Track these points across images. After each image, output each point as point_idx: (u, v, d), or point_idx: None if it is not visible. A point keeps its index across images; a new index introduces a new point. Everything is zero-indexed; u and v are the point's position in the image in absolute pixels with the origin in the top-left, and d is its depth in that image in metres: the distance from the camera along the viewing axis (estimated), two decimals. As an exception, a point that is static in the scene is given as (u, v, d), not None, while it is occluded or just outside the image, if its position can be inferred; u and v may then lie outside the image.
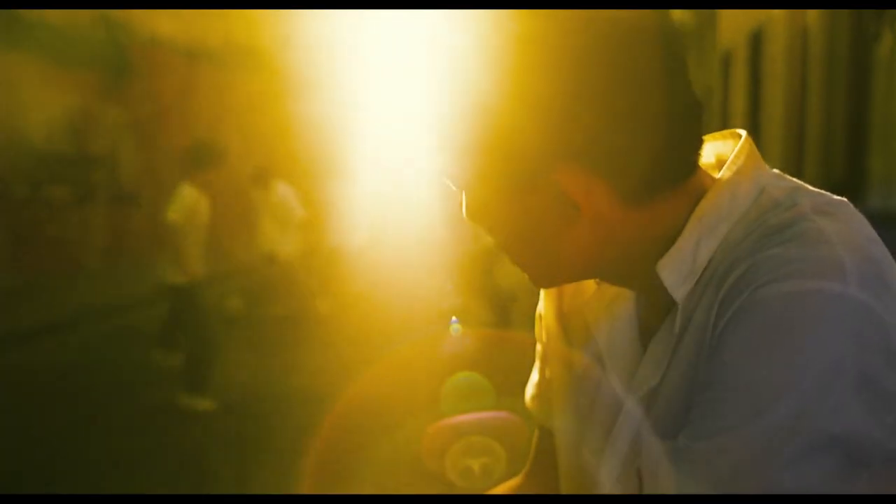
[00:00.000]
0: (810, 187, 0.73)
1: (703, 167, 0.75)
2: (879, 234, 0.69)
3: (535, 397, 0.94)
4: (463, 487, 0.75)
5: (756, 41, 14.04)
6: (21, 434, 4.84)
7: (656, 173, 0.70)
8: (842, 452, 0.59)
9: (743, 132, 0.77)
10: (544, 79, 0.66)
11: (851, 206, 0.71)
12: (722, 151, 0.77)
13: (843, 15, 9.74)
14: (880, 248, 0.67)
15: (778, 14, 12.25)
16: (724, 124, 15.70)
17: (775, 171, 0.75)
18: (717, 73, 16.45)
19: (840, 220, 0.67)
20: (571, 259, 0.73)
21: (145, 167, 11.85)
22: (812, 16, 10.75)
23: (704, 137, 0.78)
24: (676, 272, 0.71)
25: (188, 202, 5.45)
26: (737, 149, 0.74)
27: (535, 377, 0.94)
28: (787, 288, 0.62)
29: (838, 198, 0.71)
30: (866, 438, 0.60)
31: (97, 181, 10.99)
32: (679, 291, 0.70)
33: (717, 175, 0.74)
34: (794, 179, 0.74)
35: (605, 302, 0.80)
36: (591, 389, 0.80)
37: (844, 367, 0.60)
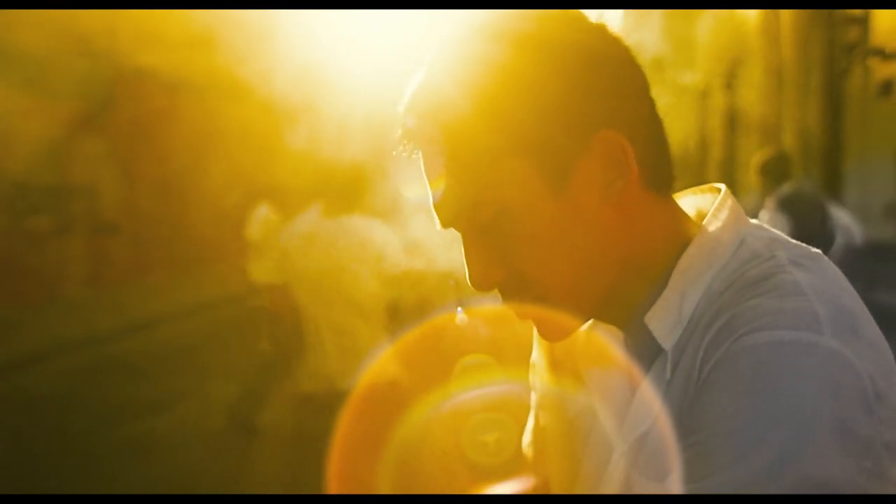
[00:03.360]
0: (788, 238, 0.76)
1: (688, 218, 0.79)
2: (857, 263, 0.73)
3: (531, 444, 0.96)
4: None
5: (732, 74, 14.30)
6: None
7: (662, 164, 0.76)
8: (821, 496, 0.61)
9: (722, 186, 0.81)
10: (587, 63, 0.72)
11: (826, 257, 0.74)
12: (701, 205, 0.81)
13: (816, 50, 9.96)
14: (853, 298, 0.70)
15: (753, 48, 12.49)
16: (702, 156, 15.92)
17: (754, 221, 0.79)
18: (695, 105, 16.69)
19: (815, 272, 0.71)
20: (598, 262, 0.74)
21: (126, 198, 11.83)
22: (786, 50, 10.98)
23: (684, 192, 0.84)
24: (664, 322, 0.74)
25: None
26: (717, 202, 0.78)
27: (530, 424, 0.97)
28: (765, 338, 0.65)
29: (814, 250, 0.75)
30: (845, 482, 0.61)
31: (78, 212, 10.95)
32: (667, 340, 0.74)
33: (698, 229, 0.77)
34: (773, 230, 0.78)
35: (594, 350, 0.83)
36: (584, 435, 0.83)
37: (821, 413, 0.62)
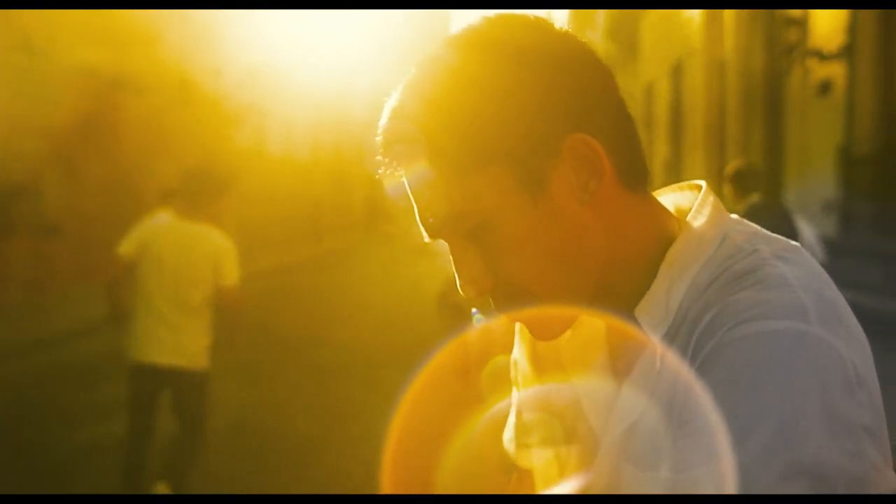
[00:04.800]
0: (767, 232, 0.80)
1: (669, 214, 0.82)
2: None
3: (513, 440, 0.97)
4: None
5: (677, 73, 14.56)
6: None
7: (635, 162, 0.78)
8: (810, 478, 0.64)
9: (703, 183, 0.84)
10: (550, 75, 0.75)
11: (804, 250, 0.78)
12: (680, 202, 0.84)
13: (757, 50, 10.21)
14: (833, 290, 0.74)
15: (697, 47, 12.74)
16: (648, 153, 16.18)
17: (734, 216, 0.82)
18: (641, 103, 16.96)
19: (797, 264, 0.74)
20: (583, 262, 0.76)
21: (70, 198, 11.56)
22: (728, 50, 11.23)
23: (663, 189, 0.87)
24: (653, 316, 0.76)
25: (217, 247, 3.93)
26: (699, 199, 0.81)
27: (511, 420, 0.98)
28: (757, 328, 0.68)
29: (793, 243, 0.78)
30: (831, 464, 0.64)
31: (19, 213, 10.67)
32: (657, 333, 0.76)
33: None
34: (752, 225, 0.81)
35: (579, 344, 0.85)
36: (569, 430, 0.85)
37: (810, 399, 0.65)
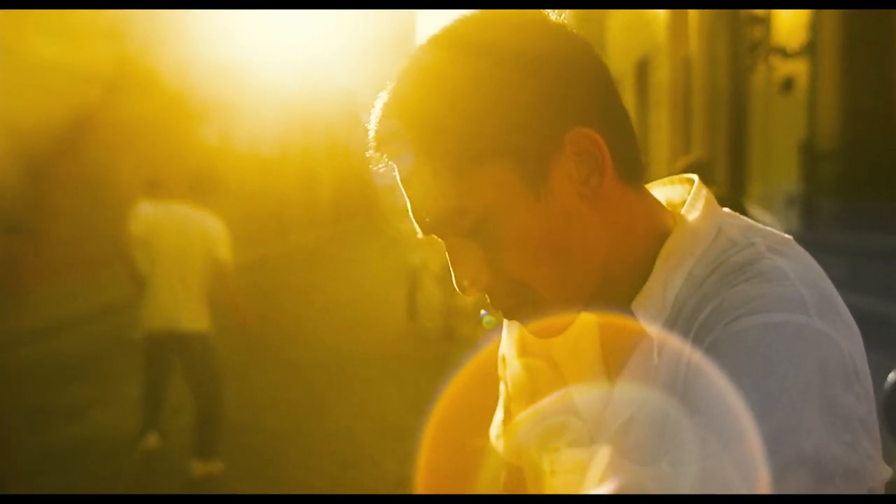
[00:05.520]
0: (760, 226, 0.80)
1: (663, 208, 0.82)
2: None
3: (502, 436, 0.96)
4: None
5: (642, 69, 14.69)
6: None
7: (632, 155, 0.78)
8: (810, 470, 0.64)
9: (695, 177, 0.84)
10: (542, 67, 0.74)
11: (797, 244, 0.78)
12: (672, 196, 0.84)
13: (721, 48, 10.34)
14: (827, 282, 0.74)
15: (662, 44, 12.86)
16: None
17: (727, 210, 0.82)
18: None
19: (792, 257, 0.74)
20: (583, 257, 0.75)
21: (33, 196, 11.36)
22: (693, 47, 11.35)
23: (653, 184, 0.87)
24: (650, 310, 0.76)
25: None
26: (693, 192, 0.82)
27: (500, 416, 0.97)
28: (757, 321, 0.68)
29: (786, 236, 0.78)
30: (829, 456, 0.64)
31: (-19, 211, 10.47)
32: (653, 328, 0.76)
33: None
34: (745, 218, 0.81)
35: (570, 341, 0.84)
36: (560, 426, 0.83)
37: (812, 391, 0.65)
